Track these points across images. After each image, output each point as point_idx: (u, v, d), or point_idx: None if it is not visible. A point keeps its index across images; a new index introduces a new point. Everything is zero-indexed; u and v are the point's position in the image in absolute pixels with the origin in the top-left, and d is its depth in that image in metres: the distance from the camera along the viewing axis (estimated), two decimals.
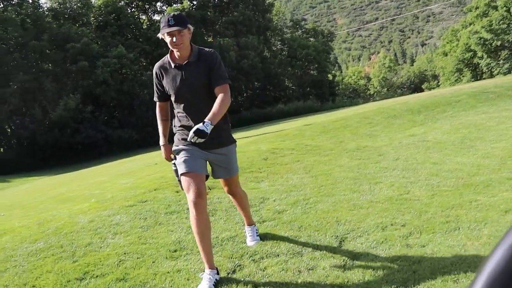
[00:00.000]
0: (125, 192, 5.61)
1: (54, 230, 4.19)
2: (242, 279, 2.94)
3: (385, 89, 57.63)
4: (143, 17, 33.15)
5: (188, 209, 4.54)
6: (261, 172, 6.41)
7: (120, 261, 3.32)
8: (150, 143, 25.02)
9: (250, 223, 3.74)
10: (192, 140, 2.65)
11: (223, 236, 3.81)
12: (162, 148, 3.27)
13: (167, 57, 3.15)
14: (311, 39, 38.95)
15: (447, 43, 51.16)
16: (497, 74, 39.45)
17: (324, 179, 5.75)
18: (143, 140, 25.42)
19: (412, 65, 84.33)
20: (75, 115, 22.94)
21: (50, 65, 26.34)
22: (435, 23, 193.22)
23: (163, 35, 3.01)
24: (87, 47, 24.92)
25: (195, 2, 32.09)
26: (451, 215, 3.90)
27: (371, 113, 11.62)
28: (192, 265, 3.21)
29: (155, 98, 3.24)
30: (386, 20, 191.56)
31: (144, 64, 29.23)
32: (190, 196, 2.92)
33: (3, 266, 3.45)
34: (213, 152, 3.16)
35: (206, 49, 3.23)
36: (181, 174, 3.00)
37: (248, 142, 9.24)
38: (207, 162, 3.20)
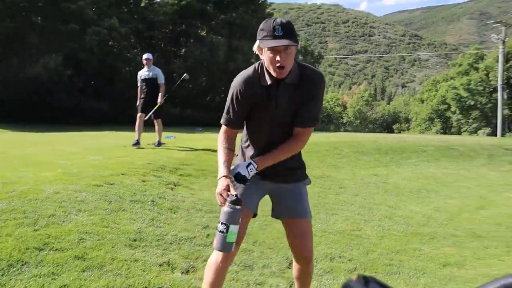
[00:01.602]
0: (93, 169, 5.68)
1: (18, 193, 4.24)
2: (193, 281, 3.11)
3: (358, 121, 58.94)
4: None
5: (152, 201, 4.69)
6: None
7: (80, 239, 3.43)
8: (121, 120, 24.74)
9: None
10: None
11: (182, 235, 3.97)
12: (222, 180, 2.21)
13: (254, 72, 2.36)
14: (300, 56, 39.53)
15: (426, 91, 53.02)
16: (464, 132, 41.15)
17: None
18: (114, 116, 25.07)
19: (389, 103, 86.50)
20: (52, 75, 22.42)
21: (40, 19, 25.64)
22: (419, 68, 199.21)
23: (262, 48, 2.23)
24: (82, 11, 24.43)
25: None
26: (395, 259, 4.21)
27: (341, 144, 12.02)
28: (149, 257, 3.36)
29: (224, 121, 2.39)
30: (375, 55, 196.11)
31: (132, 41, 28.90)
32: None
33: None
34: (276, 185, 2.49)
35: (309, 67, 2.36)
36: None
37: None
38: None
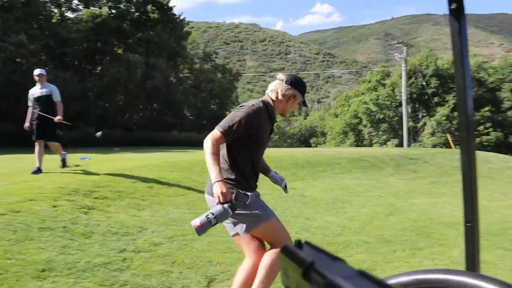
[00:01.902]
0: None
1: None
2: None
3: (277, 136, 60.45)
4: (56, 10, 31.14)
5: (63, 227, 4.48)
6: (144, 200, 6.46)
7: None
8: (30, 142, 23.20)
9: None
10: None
11: (96, 261, 3.82)
12: (221, 184, 2.64)
13: (267, 109, 2.98)
14: (219, 74, 39.85)
15: (339, 106, 55.87)
16: (375, 143, 43.85)
17: None
18: (22, 137, 23.46)
19: (306, 118, 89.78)
20: None
21: None
22: (333, 85, 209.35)
23: (294, 97, 3.02)
24: None
25: (114, 11, 31.24)
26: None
27: None
28: (60, 287, 3.20)
29: (224, 131, 2.79)
30: (291, 72, 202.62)
31: (43, 58, 27.38)
32: (286, 241, 2.98)
33: None
34: None
35: None
36: (272, 219, 2.98)
37: (136, 166, 9.17)
38: None
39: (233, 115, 2.87)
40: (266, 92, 3.12)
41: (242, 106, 2.95)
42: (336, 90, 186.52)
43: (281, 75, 3.16)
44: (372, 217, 7.47)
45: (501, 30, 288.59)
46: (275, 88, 3.04)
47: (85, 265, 3.69)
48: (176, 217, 5.84)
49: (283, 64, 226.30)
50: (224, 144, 2.89)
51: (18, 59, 24.83)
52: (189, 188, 7.77)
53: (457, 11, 0.88)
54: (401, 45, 36.61)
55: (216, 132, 2.78)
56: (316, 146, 51.97)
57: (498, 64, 49.06)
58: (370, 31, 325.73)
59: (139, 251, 4.28)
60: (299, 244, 0.32)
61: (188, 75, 37.20)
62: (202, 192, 7.54)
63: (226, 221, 2.82)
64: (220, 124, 2.84)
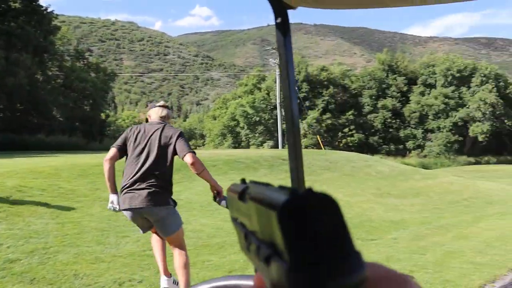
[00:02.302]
0: None
1: None
2: None
3: None
4: None
5: None
6: (0, 212, 5.84)
7: None
8: None
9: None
10: None
11: None
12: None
13: None
14: (92, 73, 37.72)
15: (218, 108, 56.69)
16: (252, 145, 45.37)
17: (71, 228, 5.62)
18: None
19: (185, 120, 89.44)
20: None
21: None
22: (212, 87, 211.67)
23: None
24: None
25: None
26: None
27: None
28: None
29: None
30: (170, 74, 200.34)
31: None
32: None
33: None
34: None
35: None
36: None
37: None
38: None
39: (185, 139, 3.60)
40: (169, 119, 3.79)
41: (180, 131, 3.64)
42: (215, 92, 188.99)
43: (164, 103, 3.90)
44: None
45: (362, 42, 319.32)
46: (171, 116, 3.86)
47: None
48: (38, 228, 5.38)
49: (161, 64, 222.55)
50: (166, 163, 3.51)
51: None
52: (56, 196, 7.22)
53: (282, 25, 0.93)
54: (275, 51, 38.39)
55: (194, 153, 3.49)
56: (195, 148, 51.95)
57: (360, 73, 54.40)
58: (248, 36, 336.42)
59: None
60: (243, 180, 0.37)
61: (57, 73, 34.53)
62: (70, 200, 7.07)
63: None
64: (187, 148, 3.48)
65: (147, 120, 3.75)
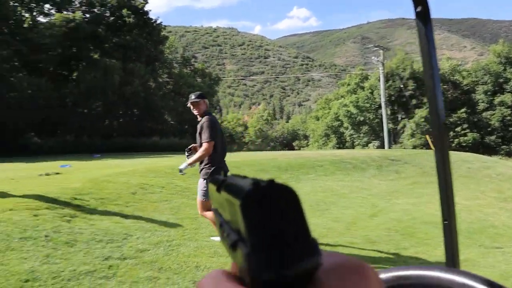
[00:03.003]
0: None
1: None
2: None
3: (260, 140, 60.51)
4: (27, 15, 30.56)
5: (45, 236, 4.39)
6: (128, 207, 6.37)
7: None
8: (8, 152, 22.66)
9: None
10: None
11: (81, 269, 3.74)
12: None
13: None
14: (198, 78, 39.76)
15: (320, 109, 56.26)
16: (357, 145, 44.28)
17: (189, 223, 5.94)
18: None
19: (288, 122, 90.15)
20: None
21: None
22: (314, 88, 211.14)
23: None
24: None
25: (88, 15, 30.86)
26: None
27: (242, 163, 12.25)
28: None
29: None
30: (271, 76, 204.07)
31: (17, 65, 26.78)
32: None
33: None
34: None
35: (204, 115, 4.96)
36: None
37: (118, 172, 9.05)
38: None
39: None
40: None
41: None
42: (317, 93, 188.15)
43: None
44: (356, 218, 7.52)
45: (473, 34, 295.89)
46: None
47: (70, 274, 3.61)
48: (161, 222, 5.77)
49: (262, 67, 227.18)
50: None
51: None
52: (173, 193, 7.71)
53: (423, 14, 0.89)
54: (377, 48, 37.10)
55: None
56: (299, 149, 52.14)
57: (471, 67, 50.23)
58: (347, 35, 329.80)
59: (124, 258, 4.20)
60: (225, 174, 0.39)
61: (167, 79, 36.99)
62: (186, 197, 7.49)
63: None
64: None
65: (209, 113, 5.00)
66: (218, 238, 5.79)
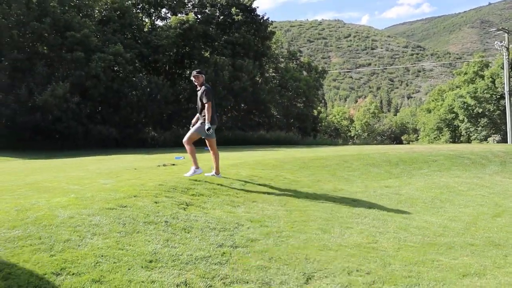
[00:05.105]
0: (105, 193, 5.69)
1: (33, 219, 4.26)
2: None
3: (366, 133, 58.80)
4: (146, 20, 33.28)
5: (165, 221, 4.71)
6: (238, 197, 6.58)
7: (97, 263, 3.42)
8: (129, 144, 24.85)
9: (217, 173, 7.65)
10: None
11: (197, 255, 3.95)
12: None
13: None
14: (304, 72, 39.73)
15: (432, 101, 52.90)
16: (474, 140, 40.86)
17: (298, 215, 5.95)
18: (122, 140, 25.30)
19: (396, 115, 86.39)
20: (60, 103, 22.67)
21: (45, 48, 26.09)
22: (424, 79, 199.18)
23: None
24: (86, 39, 24.87)
25: (199, 16, 32.51)
26: (413, 271, 4.14)
27: (350, 157, 11.97)
28: (166, 278, 3.34)
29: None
30: (378, 68, 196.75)
31: (138, 66, 29.24)
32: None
33: None
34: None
35: (204, 84, 7.43)
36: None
37: (229, 165, 9.41)
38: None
39: None
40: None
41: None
42: (428, 84, 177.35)
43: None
44: (476, 217, 6.93)
45: None
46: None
47: (187, 258, 3.83)
48: (271, 214, 5.87)
49: (369, 59, 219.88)
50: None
51: (116, 68, 26.74)
52: (282, 186, 7.80)
53: None
54: (501, 32, 33.79)
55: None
56: (408, 143, 49.68)
57: None
58: (464, 19, 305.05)
59: (236, 247, 4.35)
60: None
61: (273, 74, 37.52)
62: (294, 189, 7.52)
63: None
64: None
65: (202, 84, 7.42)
66: (189, 174, 7.30)
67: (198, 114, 7.45)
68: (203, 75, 7.48)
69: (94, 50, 25.21)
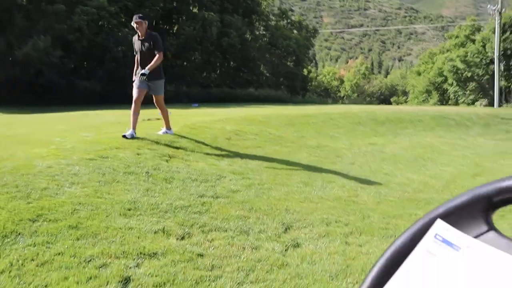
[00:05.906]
0: (86, 145, 5.62)
1: (10, 169, 4.20)
2: (188, 246, 3.10)
3: (356, 94, 58.73)
4: None
5: (146, 172, 4.68)
6: (222, 151, 6.57)
7: (74, 210, 3.40)
8: (114, 99, 24.46)
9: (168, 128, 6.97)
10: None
11: (177, 204, 3.95)
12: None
13: (135, 34, 6.62)
14: (295, 31, 39.01)
15: (423, 63, 52.57)
16: (462, 103, 41.04)
17: (281, 169, 5.97)
18: (107, 95, 24.90)
19: (386, 77, 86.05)
20: (41, 57, 22.06)
21: (24, 0, 25.13)
22: (416, 42, 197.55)
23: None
24: None
25: None
26: (391, 223, 4.20)
27: (337, 115, 11.97)
28: (144, 225, 3.34)
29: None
30: (370, 29, 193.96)
31: (123, 20, 28.38)
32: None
33: None
34: (150, 82, 6.44)
35: (151, 32, 6.58)
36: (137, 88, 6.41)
37: (214, 120, 9.33)
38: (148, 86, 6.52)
39: None
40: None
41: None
42: (419, 47, 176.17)
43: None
44: (456, 176, 7.03)
45: None
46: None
47: (167, 206, 3.83)
48: (253, 167, 5.88)
49: (361, 20, 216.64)
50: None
51: (100, 22, 25.95)
52: (266, 141, 7.79)
53: None
54: None
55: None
56: (397, 105, 49.86)
57: None
58: None
59: (217, 197, 4.36)
60: None
61: (263, 32, 36.82)
62: (279, 144, 7.52)
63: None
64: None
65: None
66: (128, 134, 6.33)
67: (139, 69, 6.39)
68: (146, 22, 6.45)
69: (76, 3, 24.35)
